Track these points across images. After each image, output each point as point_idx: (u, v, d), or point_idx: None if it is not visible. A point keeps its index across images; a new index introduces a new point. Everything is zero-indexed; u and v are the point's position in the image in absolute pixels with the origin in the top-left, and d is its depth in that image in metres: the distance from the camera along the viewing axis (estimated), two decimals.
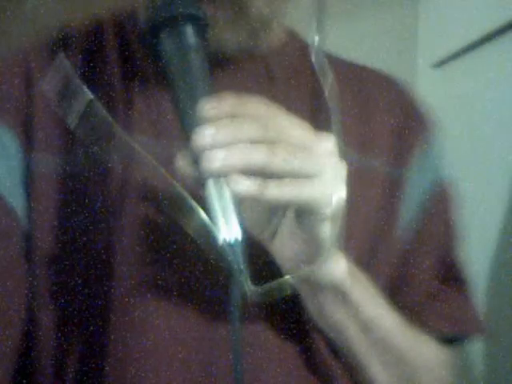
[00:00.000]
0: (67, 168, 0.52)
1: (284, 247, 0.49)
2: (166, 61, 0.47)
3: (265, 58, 0.57)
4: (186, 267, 0.51)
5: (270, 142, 0.42)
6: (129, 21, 0.58)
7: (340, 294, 0.50)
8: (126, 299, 0.50)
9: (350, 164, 0.55)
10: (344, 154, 0.54)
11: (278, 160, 0.42)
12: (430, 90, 1.50)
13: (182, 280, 0.51)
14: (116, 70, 0.55)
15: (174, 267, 0.51)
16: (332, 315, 0.52)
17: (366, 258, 0.57)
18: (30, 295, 0.51)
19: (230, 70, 0.55)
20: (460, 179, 1.37)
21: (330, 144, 0.46)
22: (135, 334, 0.50)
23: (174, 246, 0.51)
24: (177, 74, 0.46)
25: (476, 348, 1.17)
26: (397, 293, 0.60)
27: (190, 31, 0.47)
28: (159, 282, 0.51)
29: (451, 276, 0.64)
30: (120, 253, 0.50)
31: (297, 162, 0.43)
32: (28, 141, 0.53)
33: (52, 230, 0.51)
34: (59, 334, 0.51)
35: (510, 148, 1.06)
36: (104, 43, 0.57)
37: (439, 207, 0.63)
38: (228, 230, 0.42)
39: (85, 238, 0.51)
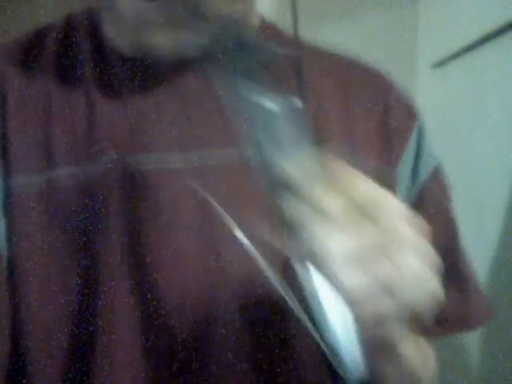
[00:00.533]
0: (47, 188, 0.51)
1: None
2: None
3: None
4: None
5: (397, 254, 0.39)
6: (101, 23, 0.57)
7: None
8: (117, 304, 0.50)
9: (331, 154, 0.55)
10: (331, 151, 0.54)
11: (418, 274, 0.39)
12: (430, 89, 1.51)
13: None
14: (89, 72, 0.54)
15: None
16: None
17: None
18: (21, 305, 0.51)
19: (197, 74, 0.54)
20: (460, 179, 1.37)
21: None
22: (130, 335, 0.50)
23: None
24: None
25: (476, 348, 1.17)
26: None
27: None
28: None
29: (452, 271, 0.63)
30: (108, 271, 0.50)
31: (422, 267, 0.40)
32: (5, 161, 0.51)
33: (37, 253, 0.50)
34: (50, 342, 0.51)
35: (510, 148, 1.07)
36: (78, 45, 0.56)
37: (434, 199, 0.63)
38: (354, 369, 0.41)
39: (71, 256, 0.51)
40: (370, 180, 0.42)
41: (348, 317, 0.40)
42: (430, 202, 0.62)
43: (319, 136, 0.55)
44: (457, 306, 0.62)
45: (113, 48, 0.55)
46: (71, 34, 0.57)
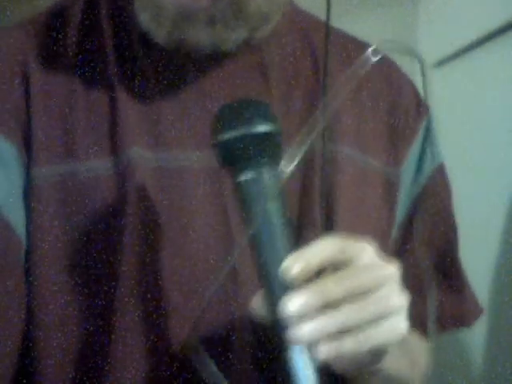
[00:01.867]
0: (68, 180, 0.51)
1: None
2: (245, 204, 0.44)
3: (260, 48, 0.56)
4: None
5: (353, 297, 0.41)
6: (127, 14, 0.55)
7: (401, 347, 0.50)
8: (128, 301, 0.50)
9: (345, 157, 0.54)
10: (338, 144, 0.54)
11: (363, 315, 0.41)
12: (430, 89, 1.50)
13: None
14: (115, 59, 0.53)
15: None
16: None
17: None
18: (31, 296, 0.51)
19: (224, 64, 0.54)
20: (460, 179, 1.37)
21: (395, 272, 0.44)
22: (135, 334, 0.50)
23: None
24: (256, 221, 0.43)
25: (476, 348, 1.17)
26: None
27: (268, 175, 0.44)
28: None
29: (448, 270, 0.63)
30: (124, 262, 0.50)
31: (375, 309, 0.42)
32: (27, 152, 0.51)
33: (53, 245, 0.50)
34: (59, 335, 0.51)
35: (509, 148, 1.06)
36: (101, 32, 0.54)
37: (436, 197, 0.63)
38: None
39: (86, 250, 0.50)
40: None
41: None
42: (432, 200, 0.62)
43: (332, 131, 0.55)
44: (453, 304, 0.62)
45: (143, 35, 0.53)
46: (96, 16, 0.55)
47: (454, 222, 0.65)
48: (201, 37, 0.51)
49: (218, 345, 0.50)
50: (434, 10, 1.49)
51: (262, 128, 0.44)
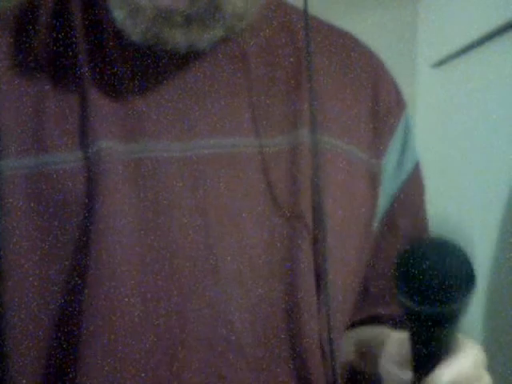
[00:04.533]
0: (37, 172, 0.50)
1: None
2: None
3: (239, 39, 0.56)
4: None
5: None
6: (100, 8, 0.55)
7: None
8: (98, 294, 0.49)
9: (331, 147, 0.54)
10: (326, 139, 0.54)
11: None
12: (430, 89, 1.50)
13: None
14: (84, 54, 0.53)
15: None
16: None
17: (353, 252, 0.57)
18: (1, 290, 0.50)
19: (202, 56, 0.54)
20: (460, 179, 1.38)
21: None
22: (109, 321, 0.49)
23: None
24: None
25: None
26: (373, 283, 0.61)
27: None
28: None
29: None
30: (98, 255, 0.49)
31: None
32: None
33: (22, 238, 0.50)
34: (30, 330, 0.50)
35: (510, 148, 1.06)
36: (72, 25, 0.54)
37: (414, 195, 0.63)
38: None
39: (56, 243, 0.50)
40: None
41: None
42: (412, 195, 0.62)
43: (317, 120, 0.54)
44: None
45: (118, 32, 0.53)
46: (68, 7, 0.55)
47: (427, 219, 0.64)
48: (176, 37, 0.51)
49: (203, 342, 0.50)
50: (434, 10, 1.49)
51: (462, 308, 0.42)
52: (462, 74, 1.32)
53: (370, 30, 1.38)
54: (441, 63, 1.41)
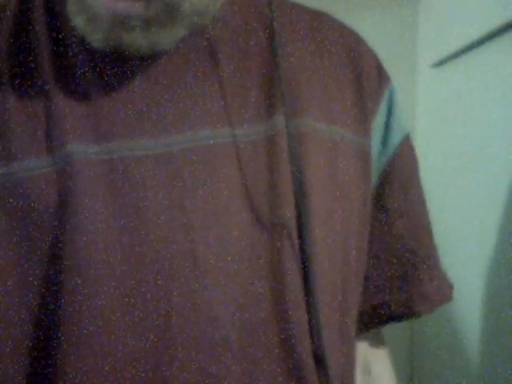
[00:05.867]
0: (5, 181, 0.50)
1: None
2: None
3: (206, 30, 0.55)
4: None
5: None
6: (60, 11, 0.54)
7: None
8: (73, 300, 0.49)
9: (311, 130, 0.54)
10: (302, 117, 0.53)
11: None
12: (430, 89, 1.51)
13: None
14: (46, 59, 0.53)
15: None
16: None
17: (342, 237, 0.56)
18: None
19: (168, 51, 0.53)
20: (459, 179, 1.38)
21: None
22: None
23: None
24: None
25: (476, 348, 1.17)
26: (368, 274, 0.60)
27: None
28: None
29: (421, 246, 0.63)
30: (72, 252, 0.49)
31: None
32: None
33: None
34: (8, 337, 0.49)
35: (510, 148, 1.07)
36: (34, 30, 0.54)
37: (405, 168, 0.61)
38: None
39: (28, 251, 0.49)
40: None
41: None
42: (401, 171, 0.61)
43: (294, 104, 0.54)
44: (431, 281, 0.62)
45: (81, 37, 0.52)
46: (29, 13, 0.55)
47: (423, 194, 0.63)
48: (137, 40, 0.51)
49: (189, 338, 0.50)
50: (434, 10, 1.49)
51: None
52: (461, 74, 1.32)
53: (370, 30, 1.38)
54: (441, 63, 1.41)
